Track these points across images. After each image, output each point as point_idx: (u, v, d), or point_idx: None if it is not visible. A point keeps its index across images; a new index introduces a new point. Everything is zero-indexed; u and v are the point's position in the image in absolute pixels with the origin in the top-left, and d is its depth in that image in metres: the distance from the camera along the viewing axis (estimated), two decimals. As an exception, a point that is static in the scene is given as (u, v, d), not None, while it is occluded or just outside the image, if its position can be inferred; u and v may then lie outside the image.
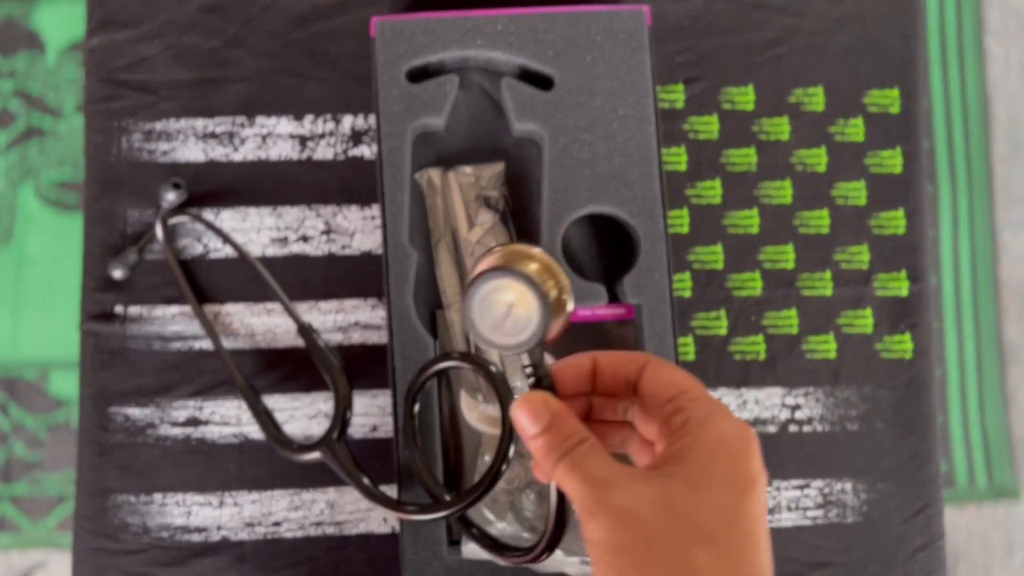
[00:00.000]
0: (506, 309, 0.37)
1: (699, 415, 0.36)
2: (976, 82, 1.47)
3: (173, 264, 0.61)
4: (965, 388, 1.43)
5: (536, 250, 0.39)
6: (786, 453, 0.63)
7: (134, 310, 0.61)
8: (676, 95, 0.65)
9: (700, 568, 0.33)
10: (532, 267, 0.38)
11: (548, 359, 0.41)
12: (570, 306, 0.39)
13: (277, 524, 0.60)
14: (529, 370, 0.40)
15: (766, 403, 0.63)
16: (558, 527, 0.42)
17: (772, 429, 0.63)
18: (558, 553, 0.54)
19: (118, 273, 0.61)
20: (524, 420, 0.38)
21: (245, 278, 0.62)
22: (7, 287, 1.32)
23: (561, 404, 0.39)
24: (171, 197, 0.60)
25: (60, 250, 1.32)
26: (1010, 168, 1.46)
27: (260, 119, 0.63)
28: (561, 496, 0.42)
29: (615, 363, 0.40)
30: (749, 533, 0.34)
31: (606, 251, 0.63)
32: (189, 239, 0.62)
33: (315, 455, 0.56)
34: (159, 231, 0.60)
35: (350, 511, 0.61)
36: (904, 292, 0.64)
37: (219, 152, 0.63)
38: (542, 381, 0.40)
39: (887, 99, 0.66)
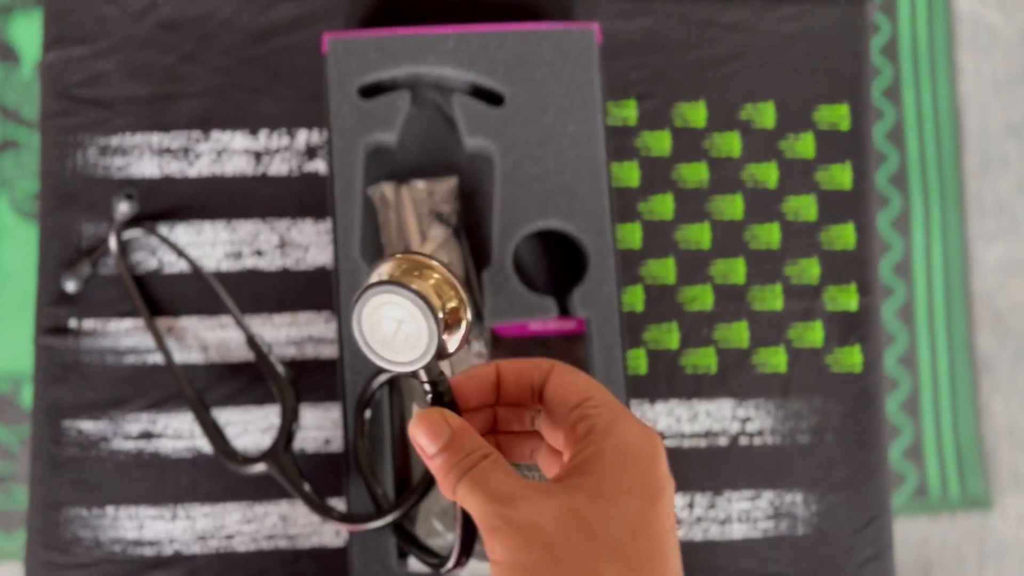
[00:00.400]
0: (396, 325, 0.35)
1: (603, 422, 0.35)
2: (948, 96, 1.49)
3: (126, 277, 0.61)
4: (938, 398, 1.44)
5: (433, 261, 0.37)
6: (737, 465, 0.63)
7: (88, 324, 0.62)
8: (629, 111, 0.66)
9: None
10: (425, 281, 0.36)
11: (447, 369, 0.39)
12: (467, 320, 0.37)
13: (230, 537, 0.61)
14: (427, 386, 0.38)
15: (717, 415, 0.64)
16: (465, 544, 0.41)
17: (723, 441, 0.64)
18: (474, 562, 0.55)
19: (71, 286, 0.61)
20: (422, 439, 0.37)
21: (199, 292, 0.62)
22: (-18, 299, 1.31)
23: (461, 420, 0.37)
24: (124, 208, 0.61)
25: (34, 262, 1.32)
26: (981, 180, 1.48)
27: (215, 134, 0.64)
28: (466, 515, 0.40)
29: (519, 371, 0.39)
30: (656, 543, 0.34)
31: (556, 265, 0.63)
32: (143, 253, 0.63)
33: (260, 467, 0.56)
34: (112, 243, 0.61)
35: (303, 524, 0.61)
36: (854, 306, 0.65)
37: (174, 167, 0.63)
38: (442, 396, 0.38)
39: (836, 115, 0.67)
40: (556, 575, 0.32)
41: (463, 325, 0.37)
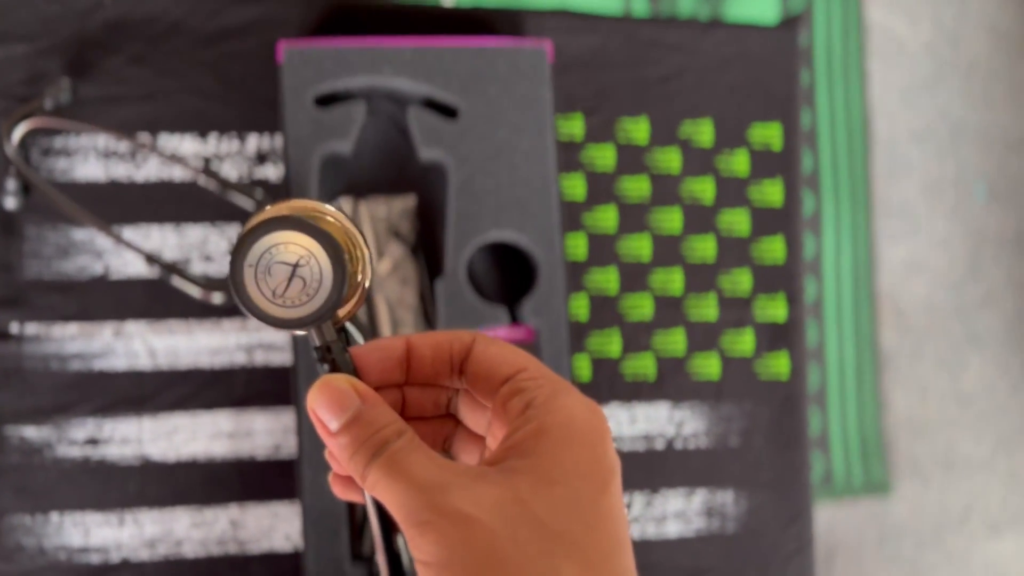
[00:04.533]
0: (289, 271, 0.30)
1: (542, 396, 0.30)
2: (859, 102, 1.56)
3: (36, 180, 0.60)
4: (844, 391, 1.51)
5: (330, 208, 0.32)
6: (673, 466, 0.67)
7: (31, 329, 0.61)
8: (575, 126, 0.68)
9: None
10: (326, 224, 0.32)
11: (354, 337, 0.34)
12: (368, 279, 0.32)
13: (179, 543, 0.61)
14: (320, 352, 0.32)
15: (655, 419, 0.67)
16: (391, 556, 0.33)
17: (660, 444, 0.67)
18: None
19: (10, 203, 0.60)
20: (323, 411, 0.30)
21: (147, 295, 0.62)
22: None
23: (371, 390, 0.31)
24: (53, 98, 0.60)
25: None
26: (888, 184, 1.55)
27: (164, 137, 0.63)
28: (382, 512, 0.33)
29: (435, 344, 0.33)
30: (614, 535, 0.29)
31: (507, 275, 0.65)
32: (88, 256, 0.62)
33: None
34: (13, 139, 0.59)
35: (253, 529, 0.62)
36: (782, 316, 0.69)
37: (121, 170, 0.63)
38: (340, 367, 0.32)
39: (769, 134, 0.70)
40: None
41: (364, 283, 0.32)
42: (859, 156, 1.55)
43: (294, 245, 0.30)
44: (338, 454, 0.30)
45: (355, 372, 0.32)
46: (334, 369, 0.32)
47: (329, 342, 0.32)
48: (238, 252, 0.30)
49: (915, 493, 1.52)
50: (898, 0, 1.58)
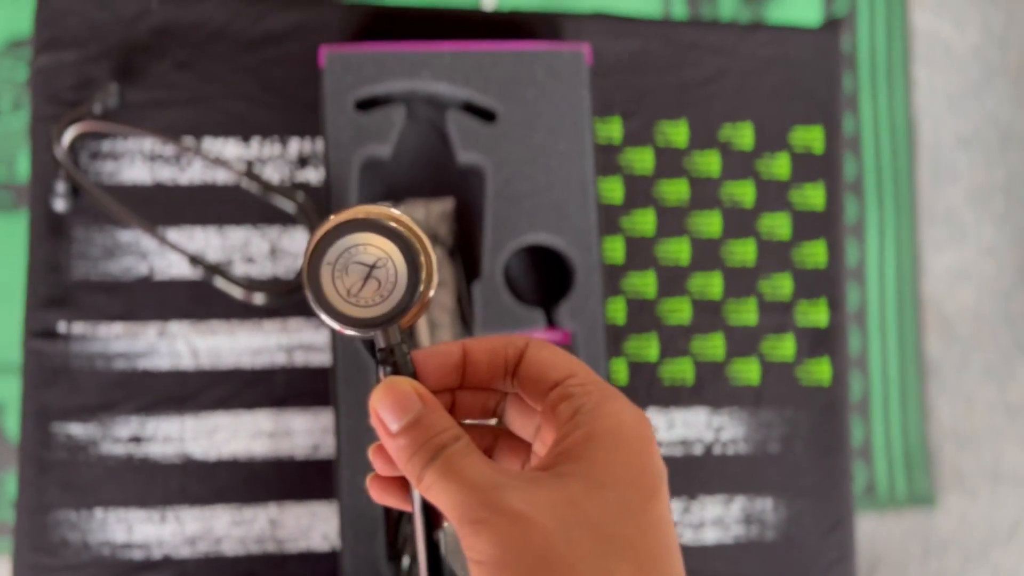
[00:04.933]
0: (365, 272, 0.31)
1: (591, 402, 0.31)
2: (903, 107, 1.53)
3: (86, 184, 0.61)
4: (888, 401, 1.49)
5: (401, 214, 0.33)
6: (711, 472, 0.66)
7: (78, 328, 0.62)
8: (613, 129, 0.68)
9: None
10: (400, 226, 0.33)
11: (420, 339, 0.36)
12: (433, 286, 0.33)
13: (219, 541, 0.62)
14: (383, 354, 0.32)
15: (693, 424, 0.66)
16: (433, 557, 0.33)
17: (698, 449, 0.66)
18: None
19: (60, 204, 0.61)
20: (386, 412, 0.31)
21: (190, 296, 0.63)
22: (-62, 289, 1.29)
23: (431, 394, 0.32)
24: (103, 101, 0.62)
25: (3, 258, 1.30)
26: (934, 190, 1.53)
27: (208, 141, 0.64)
28: (429, 513, 0.33)
29: (490, 349, 0.34)
30: (664, 539, 0.30)
31: (544, 278, 0.65)
32: (133, 257, 0.63)
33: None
34: (63, 142, 0.60)
35: (291, 528, 0.62)
36: (824, 322, 0.68)
37: (166, 173, 0.64)
38: (401, 369, 0.33)
39: (811, 137, 0.70)
40: None
41: (432, 288, 0.33)
42: (904, 162, 1.53)
43: (373, 247, 0.31)
44: (396, 455, 0.31)
45: (415, 375, 0.33)
46: (396, 371, 0.33)
47: (394, 344, 0.32)
48: (318, 249, 0.31)
49: (961, 506, 1.49)
50: (945, 4, 1.56)
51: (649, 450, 0.31)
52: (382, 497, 0.35)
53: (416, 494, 0.33)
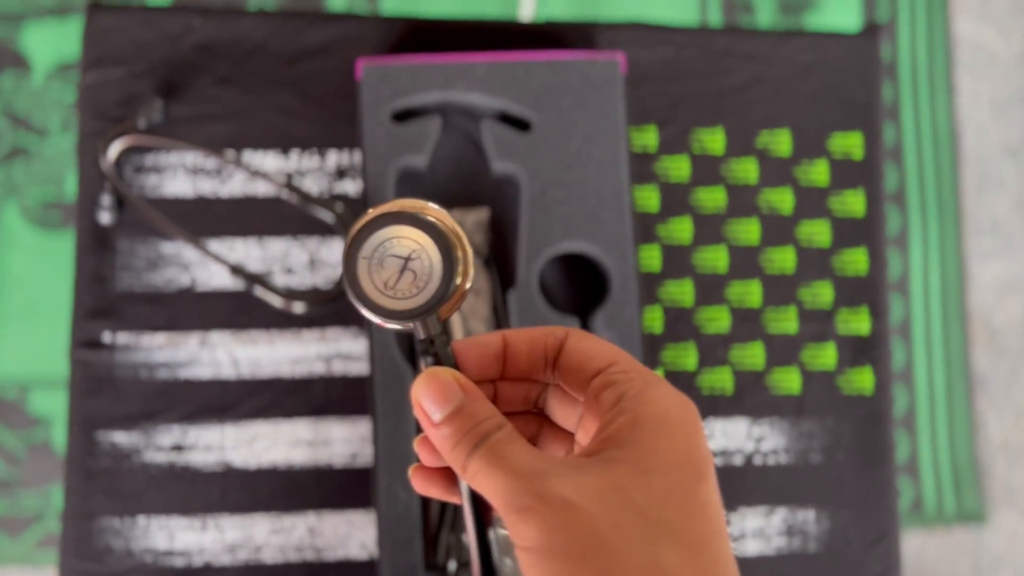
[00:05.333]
0: (401, 264, 0.31)
1: (634, 389, 0.31)
2: (946, 116, 1.51)
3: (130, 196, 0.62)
4: (934, 415, 1.46)
5: (437, 208, 0.33)
6: (751, 483, 0.65)
7: (122, 338, 0.63)
8: (649, 137, 0.68)
9: (670, 570, 0.28)
10: (435, 219, 0.33)
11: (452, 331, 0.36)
12: (469, 279, 0.33)
13: (258, 549, 0.62)
14: (424, 345, 0.33)
15: (733, 434, 0.66)
16: (484, 549, 0.33)
17: (738, 460, 0.65)
18: None
19: (105, 217, 0.63)
20: (428, 402, 0.31)
21: (231, 307, 0.64)
22: (-11, 305, 1.32)
23: (472, 383, 0.32)
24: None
25: (43, 269, 1.33)
26: (978, 199, 1.50)
27: (248, 153, 0.66)
28: (478, 505, 0.33)
29: (530, 339, 0.34)
30: (711, 523, 0.29)
31: (580, 285, 0.65)
32: (175, 268, 0.64)
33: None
34: (109, 156, 0.62)
35: (329, 536, 0.63)
36: (865, 330, 0.67)
37: (207, 186, 0.65)
38: (442, 360, 0.33)
39: (850, 143, 0.69)
40: (606, 563, 0.27)
41: (468, 280, 0.33)
42: (947, 172, 1.50)
43: (407, 239, 0.31)
44: (439, 444, 0.31)
45: (456, 366, 0.33)
46: (437, 362, 0.33)
47: (433, 335, 0.33)
48: (354, 244, 0.31)
49: (1013, 523, 1.45)
50: (988, 12, 1.54)
51: (695, 435, 0.30)
52: (425, 488, 0.35)
53: (464, 485, 0.33)
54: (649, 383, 0.31)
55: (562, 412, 0.35)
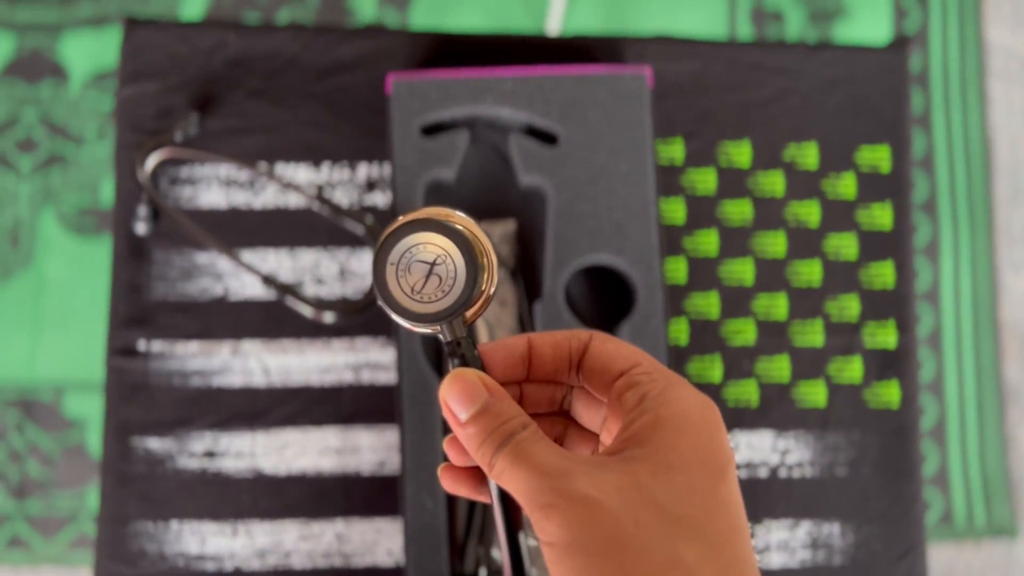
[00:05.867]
0: (426, 269, 0.32)
1: (656, 389, 0.31)
2: (978, 125, 1.50)
3: (164, 206, 0.64)
4: (965, 427, 1.44)
5: (462, 215, 0.35)
6: (776, 495, 0.65)
7: (156, 347, 0.65)
8: (675, 150, 0.68)
9: (691, 566, 0.28)
10: (460, 226, 0.34)
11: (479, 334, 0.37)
12: (494, 284, 0.34)
13: (287, 555, 0.63)
14: (451, 348, 0.34)
15: (758, 447, 0.66)
16: (514, 548, 0.34)
17: (763, 472, 0.66)
18: None
19: (141, 228, 0.64)
20: (455, 402, 0.32)
21: (263, 316, 0.65)
22: (26, 309, 1.35)
23: (497, 384, 0.33)
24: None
25: (78, 274, 1.36)
26: (1011, 209, 1.49)
27: (280, 166, 0.67)
28: (507, 505, 0.34)
29: (555, 342, 0.35)
30: (732, 521, 0.30)
31: (605, 297, 0.66)
32: (209, 278, 0.66)
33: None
34: (146, 168, 0.63)
35: (357, 543, 0.64)
36: (892, 343, 0.67)
37: (240, 198, 0.66)
38: (469, 362, 0.34)
39: (877, 156, 0.69)
40: (627, 559, 0.28)
41: (492, 285, 0.34)
42: (979, 181, 1.49)
43: (432, 245, 0.33)
44: (466, 443, 0.32)
45: (483, 368, 0.35)
46: (464, 364, 0.34)
47: (460, 338, 0.34)
48: (382, 251, 0.32)
49: (1045, 537, 1.43)
50: (1021, 21, 1.52)
51: (717, 433, 0.31)
52: (454, 486, 0.36)
53: (493, 484, 0.34)
54: (671, 383, 0.32)
55: (587, 413, 0.36)
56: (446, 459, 0.35)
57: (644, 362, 0.33)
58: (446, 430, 0.60)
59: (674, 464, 0.30)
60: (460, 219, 0.35)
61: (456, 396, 0.32)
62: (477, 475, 0.35)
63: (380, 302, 0.33)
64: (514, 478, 0.31)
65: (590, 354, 0.34)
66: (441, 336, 0.34)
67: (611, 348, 0.34)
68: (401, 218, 0.34)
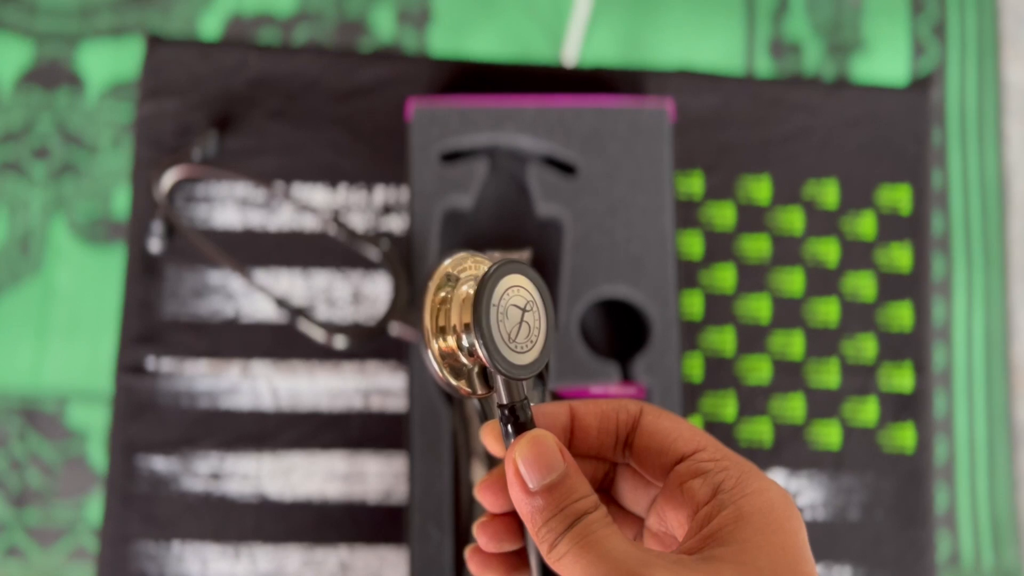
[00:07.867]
0: (519, 315, 0.29)
1: (731, 480, 0.29)
2: (995, 163, 1.49)
3: (181, 225, 0.63)
4: (975, 468, 1.43)
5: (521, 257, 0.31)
6: (787, 537, 0.64)
7: (165, 365, 0.64)
8: (694, 184, 0.68)
9: None
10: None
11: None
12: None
13: (289, 581, 0.62)
14: (507, 411, 0.30)
15: (770, 487, 0.65)
16: None
17: (774, 513, 0.64)
18: None
19: (155, 245, 0.64)
20: (529, 468, 0.28)
21: (273, 338, 0.65)
22: (33, 317, 1.35)
23: (571, 456, 0.29)
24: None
25: (87, 283, 1.35)
26: (1025, 249, 1.48)
27: (297, 186, 0.67)
28: None
29: (601, 413, 0.31)
30: None
31: (620, 330, 0.65)
32: (220, 298, 0.65)
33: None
34: (163, 186, 0.63)
35: (360, 571, 0.63)
36: (908, 387, 0.66)
37: (256, 218, 0.66)
38: (527, 424, 0.30)
39: (898, 196, 0.68)
40: None
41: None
42: (994, 219, 1.48)
43: (523, 289, 0.29)
44: (528, 516, 0.29)
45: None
46: (519, 430, 0.30)
47: (522, 399, 0.30)
48: (485, 287, 0.28)
49: (1053, 582, 1.41)
50: (1039, 58, 1.52)
51: (800, 531, 0.29)
52: (483, 572, 0.32)
53: (536, 561, 0.30)
54: (745, 472, 0.29)
55: (632, 495, 0.33)
56: (455, 493, 0.33)
57: (709, 446, 0.30)
58: (456, 464, 0.59)
59: (763, 566, 0.27)
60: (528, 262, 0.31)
61: (532, 462, 0.28)
62: (511, 558, 0.32)
63: (480, 350, 0.28)
64: (579, 564, 0.27)
65: (642, 431, 0.31)
66: (509, 394, 0.29)
67: (667, 426, 0.31)
68: (499, 255, 0.31)
